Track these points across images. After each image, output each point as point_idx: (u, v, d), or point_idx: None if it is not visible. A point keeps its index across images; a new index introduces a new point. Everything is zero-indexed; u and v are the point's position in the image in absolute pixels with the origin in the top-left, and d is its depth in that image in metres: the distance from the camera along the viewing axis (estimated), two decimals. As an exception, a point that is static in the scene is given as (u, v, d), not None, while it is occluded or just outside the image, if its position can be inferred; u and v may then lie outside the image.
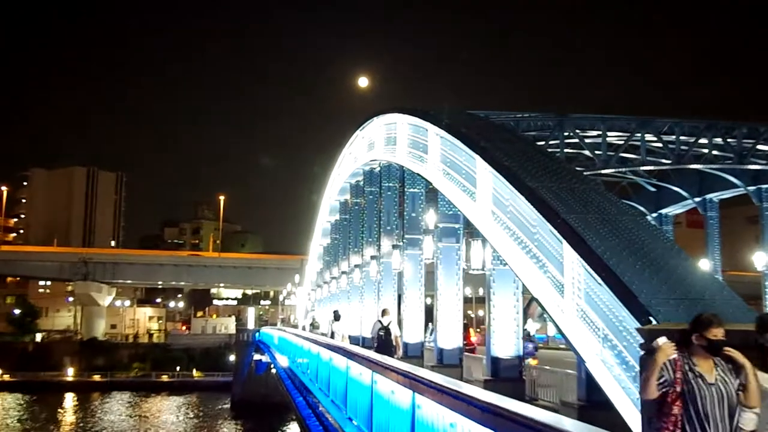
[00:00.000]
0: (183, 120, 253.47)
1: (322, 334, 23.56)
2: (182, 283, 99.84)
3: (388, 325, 16.55)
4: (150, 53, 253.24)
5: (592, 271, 9.44)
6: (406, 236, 23.28)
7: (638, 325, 7.78)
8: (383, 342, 16.16)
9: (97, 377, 75.00)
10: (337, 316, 21.73)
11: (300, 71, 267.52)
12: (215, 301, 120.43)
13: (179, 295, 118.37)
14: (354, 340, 22.89)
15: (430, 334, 23.57)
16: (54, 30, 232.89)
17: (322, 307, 42.54)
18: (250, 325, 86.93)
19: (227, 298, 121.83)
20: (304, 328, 36.26)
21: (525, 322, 18.19)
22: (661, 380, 4.41)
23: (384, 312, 17.08)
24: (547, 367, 14.85)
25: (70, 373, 75.92)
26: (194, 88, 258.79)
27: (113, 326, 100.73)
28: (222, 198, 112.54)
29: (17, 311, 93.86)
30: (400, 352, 16.87)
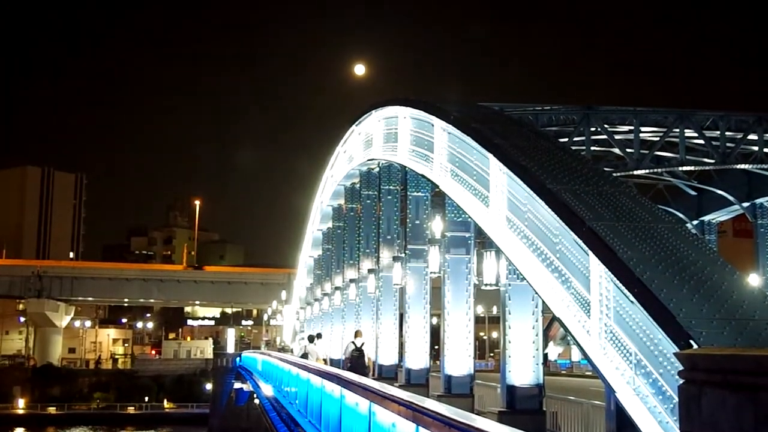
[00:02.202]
0: (152, 114, 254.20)
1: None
2: (152, 300, 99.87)
3: (362, 346, 19.88)
4: (114, 40, 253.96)
5: (622, 287, 9.43)
6: (409, 247, 23.26)
7: (676, 350, 7.76)
8: (356, 363, 19.10)
9: (52, 409, 74.92)
10: (311, 339, 24.73)
11: (286, 56, 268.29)
12: (190, 322, 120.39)
13: (148, 315, 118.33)
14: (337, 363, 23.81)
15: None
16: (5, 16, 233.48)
17: (312, 327, 42.51)
18: (230, 348, 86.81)
19: (203, 318, 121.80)
20: (292, 352, 36.26)
21: (545, 345, 18.20)
22: None
23: (357, 333, 20.74)
24: (571, 398, 14.81)
25: (20, 405, 75.82)
26: (165, 75, 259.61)
27: (71, 350, 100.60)
28: (197, 203, 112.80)
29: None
30: (374, 375, 20.37)
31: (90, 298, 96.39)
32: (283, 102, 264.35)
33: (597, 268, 10.21)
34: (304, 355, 23.43)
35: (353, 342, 20.28)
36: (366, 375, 17.08)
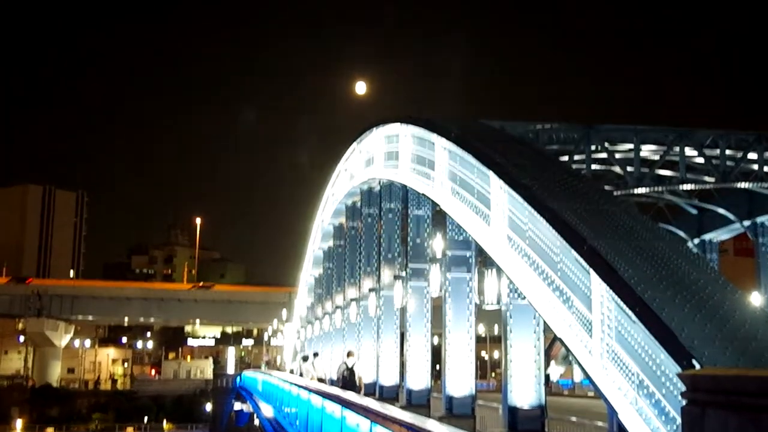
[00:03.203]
0: (153, 132, 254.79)
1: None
2: (152, 319, 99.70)
3: (353, 366, 21.93)
4: (115, 60, 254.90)
5: (624, 306, 9.39)
6: (410, 265, 23.23)
7: (679, 370, 7.72)
8: (347, 381, 21.04)
9: (50, 430, 74.62)
10: (305, 358, 26.70)
11: (287, 74, 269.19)
12: (190, 341, 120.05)
13: (148, 334, 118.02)
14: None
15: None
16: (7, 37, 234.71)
17: (313, 347, 42.38)
18: (230, 368, 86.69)
19: (204, 337, 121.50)
20: (292, 372, 36.15)
21: (547, 365, 18.14)
22: None
23: (349, 354, 22.77)
24: (574, 419, 14.73)
25: (18, 426, 75.44)
26: (167, 94, 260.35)
27: (70, 370, 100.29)
28: (198, 221, 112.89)
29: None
30: (375, 395, 21.88)
31: (90, 317, 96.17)
32: (284, 119, 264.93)
33: (598, 287, 10.18)
34: (299, 374, 24.65)
35: (345, 362, 22.16)
36: (357, 393, 19.09)
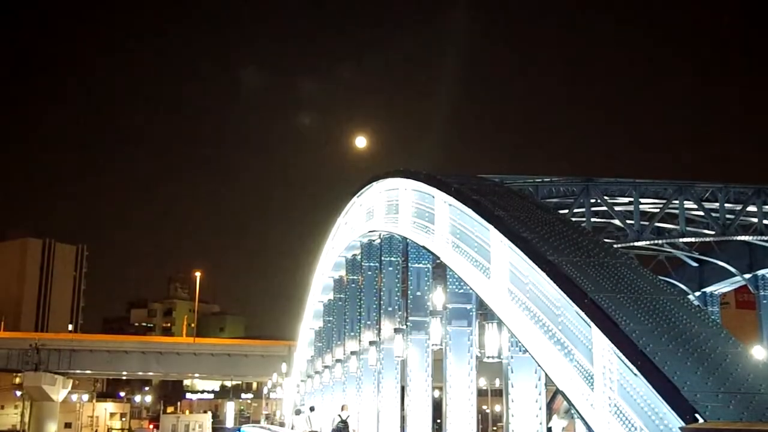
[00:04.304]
0: (155, 186, 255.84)
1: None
2: (150, 373, 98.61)
3: (347, 419, 23.22)
4: (113, 109, 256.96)
5: (626, 360, 9.36)
6: (410, 318, 23.15)
7: (682, 424, 7.67)
8: None
9: (47, 486, 73.36)
10: (297, 412, 29.42)
11: (285, 128, 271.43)
12: (188, 395, 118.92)
13: (147, 388, 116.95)
14: None
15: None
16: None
17: (313, 400, 41.98)
18: (229, 422, 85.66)
19: (203, 391, 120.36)
20: (293, 427, 35.78)
21: (549, 419, 17.95)
22: None
23: (343, 407, 24.23)
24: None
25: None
26: (165, 150, 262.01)
27: (68, 425, 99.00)
28: (198, 274, 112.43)
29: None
30: None
31: (88, 371, 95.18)
32: (284, 172, 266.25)
33: (600, 340, 10.14)
34: (291, 428, 25.64)
35: (339, 415, 23.49)
36: None
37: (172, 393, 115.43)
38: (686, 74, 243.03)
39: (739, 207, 24.07)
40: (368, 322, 28.18)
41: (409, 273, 23.60)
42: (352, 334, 30.33)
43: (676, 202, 23.86)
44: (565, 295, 11.18)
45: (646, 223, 23.94)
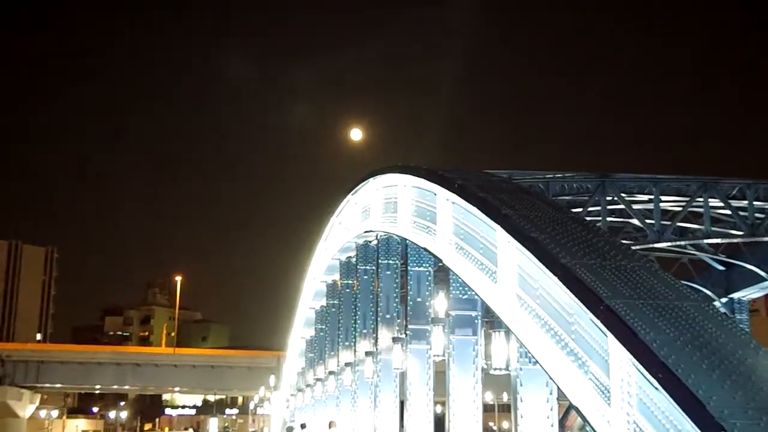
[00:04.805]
0: (133, 185, 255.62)
1: None
2: (126, 387, 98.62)
3: None
4: (90, 110, 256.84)
5: (645, 372, 9.34)
6: (410, 327, 23.14)
7: (707, 442, 7.65)
8: None
9: None
10: (289, 429, 29.96)
11: (276, 119, 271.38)
12: (168, 410, 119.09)
13: (122, 403, 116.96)
14: None
15: None
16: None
17: (304, 416, 42.00)
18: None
19: (183, 406, 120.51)
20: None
21: (562, 437, 17.94)
22: None
23: (331, 424, 24.82)
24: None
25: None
26: (145, 146, 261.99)
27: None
28: (179, 279, 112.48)
29: None
30: None
31: (58, 385, 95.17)
32: (273, 168, 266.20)
33: (617, 350, 10.12)
34: None
35: None
36: None
37: (150, 408, 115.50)
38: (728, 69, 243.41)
39: (769, 205, 24.08)
40: (364, 331, 28.20)
41: (409, 277, 23.58)
42: (347, 343, 30.35)
43: (701, 199, 23.85)
44: (578, 302, 11.16)
45: (668, 222, 23.93)
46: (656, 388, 9.15)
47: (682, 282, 14.24)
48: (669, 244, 24.87)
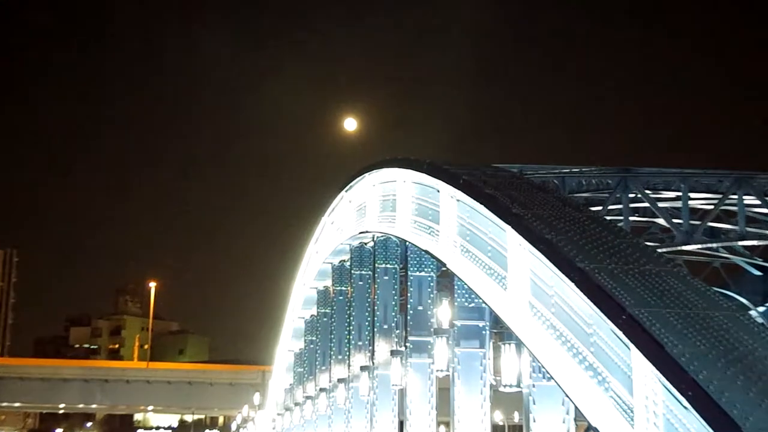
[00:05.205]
0: (102, 182, 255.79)
1: None
2: (94, 405, 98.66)
3: None
4: (59, 86, 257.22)
5: (673, 389, 9.33)
6: (410, 338, 23.17)
7: (742, 468, 7.65)
8: None
9: None
10: None
11: (262, 107, 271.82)
12: (140, 431, 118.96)
13: (89, 424, 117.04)
14: None
15: None
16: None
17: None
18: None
19: (158, 428, 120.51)
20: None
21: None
22: None
23: None
24: None
25: None
26: (115, 142, 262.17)
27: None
28: (153, 285, 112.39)
29: None
30: None
31: (17, 404, 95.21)
32: (257, 161, 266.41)
33: (641, 365, 10.12)
34: None
35: None
36: None
37: (120, 430, 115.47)
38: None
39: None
40: (359, 343, 28.22)
41: (409, 283, 23.61)
42: (340, 357, 30.37)
43: (734, 196, 23.79)
44: (598, 310, 11.17)
45: (697, 222, 23.90)
46: (685, 407, 9.15)
47: (714, 289, 14.25)
48: (699, 246, 24.86)
